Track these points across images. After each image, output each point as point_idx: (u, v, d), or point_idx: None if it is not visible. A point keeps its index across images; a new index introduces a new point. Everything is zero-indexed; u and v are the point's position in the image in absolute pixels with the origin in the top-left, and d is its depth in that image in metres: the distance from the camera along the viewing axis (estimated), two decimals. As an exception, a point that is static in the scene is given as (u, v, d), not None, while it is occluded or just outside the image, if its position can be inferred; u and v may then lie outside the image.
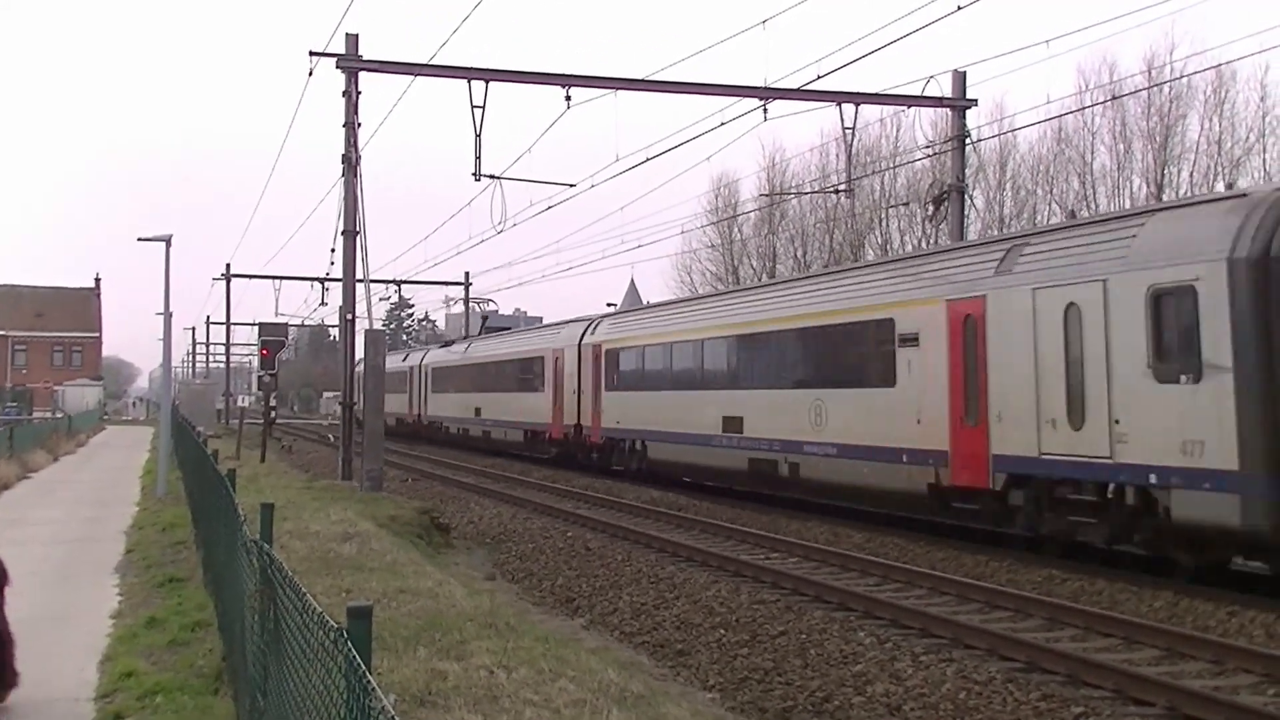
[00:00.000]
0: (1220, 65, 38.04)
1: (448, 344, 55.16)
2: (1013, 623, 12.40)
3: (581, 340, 34.05)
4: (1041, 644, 11.05)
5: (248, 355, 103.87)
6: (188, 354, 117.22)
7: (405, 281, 62.84)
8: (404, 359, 60.53)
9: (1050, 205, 46.89)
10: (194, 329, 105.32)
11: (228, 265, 68.98)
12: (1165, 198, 40.60)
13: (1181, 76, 40.53)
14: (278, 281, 61.27)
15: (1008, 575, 15.01)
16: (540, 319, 53.28)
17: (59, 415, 61.23)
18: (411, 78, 26.00)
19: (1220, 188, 38.64)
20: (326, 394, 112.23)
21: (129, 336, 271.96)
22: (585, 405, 33.38)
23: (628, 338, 31.03)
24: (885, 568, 15.59)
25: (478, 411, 44.62)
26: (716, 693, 10.35)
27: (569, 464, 34.37)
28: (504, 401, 41.47)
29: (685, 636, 12.25)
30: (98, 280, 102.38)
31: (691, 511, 22.70)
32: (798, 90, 25.60)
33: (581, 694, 7.80)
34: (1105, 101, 42.37)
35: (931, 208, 29.79)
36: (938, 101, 27.74)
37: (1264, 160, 41.21)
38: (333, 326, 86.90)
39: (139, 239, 27.89)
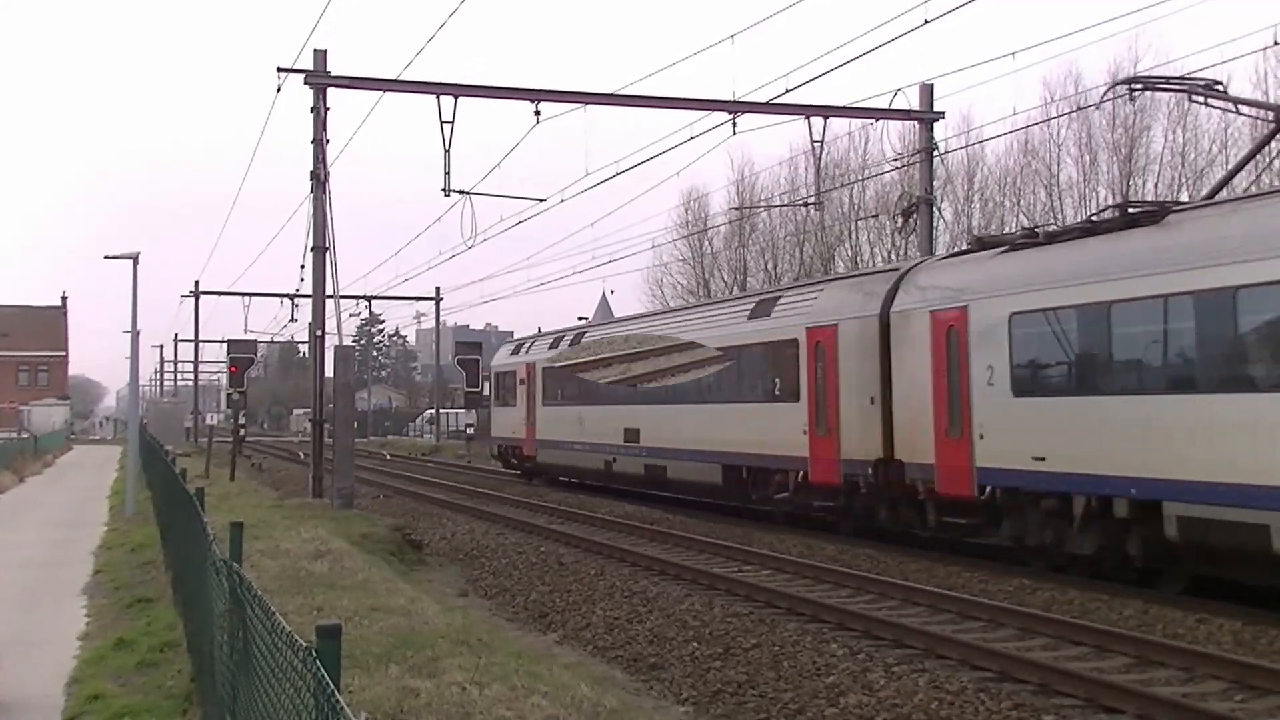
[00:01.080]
0: (1184, 77, 38.35)
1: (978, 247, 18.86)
2: (985, 633, 12.46)
3: None
4: (1013, 653, 11.11)
5: (217, 373, 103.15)
6: (156, 372, 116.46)
7: (376, 297, 62.90)
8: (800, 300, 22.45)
9: (1018, 216, 47.27)
10: (162, 347, 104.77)
11: (196, 282, 68.77)
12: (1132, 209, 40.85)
13: (1145, 89, 40.83)
14: (247, 298, 61.01)
15: (980, 586, 15.08)
16: (511, 333, 51.40)
17: (25, 435, 60.57)
18: (380, 93, 25.99)
19: (1185, 198, 39.07)
20: (297, 411, 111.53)
21: (96, 355, 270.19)
22: None
23: None
24: (858, 579, 15.64)
25: None
26: (690, 706, 10.35)
27: None
28: None
29: (659, 650, 12.23)
30: (64, 299, 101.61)
31: (665, 525, 22.70)
32: (766, 104, 25.74)
33: (555, 709, 7.79)
34: (1070, 113, 42.74)
35: (901, 220, 30.01)
36: (905, 114, 27.91)
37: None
38: (302, 343, 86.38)
39: (106, 257, 27.79)
